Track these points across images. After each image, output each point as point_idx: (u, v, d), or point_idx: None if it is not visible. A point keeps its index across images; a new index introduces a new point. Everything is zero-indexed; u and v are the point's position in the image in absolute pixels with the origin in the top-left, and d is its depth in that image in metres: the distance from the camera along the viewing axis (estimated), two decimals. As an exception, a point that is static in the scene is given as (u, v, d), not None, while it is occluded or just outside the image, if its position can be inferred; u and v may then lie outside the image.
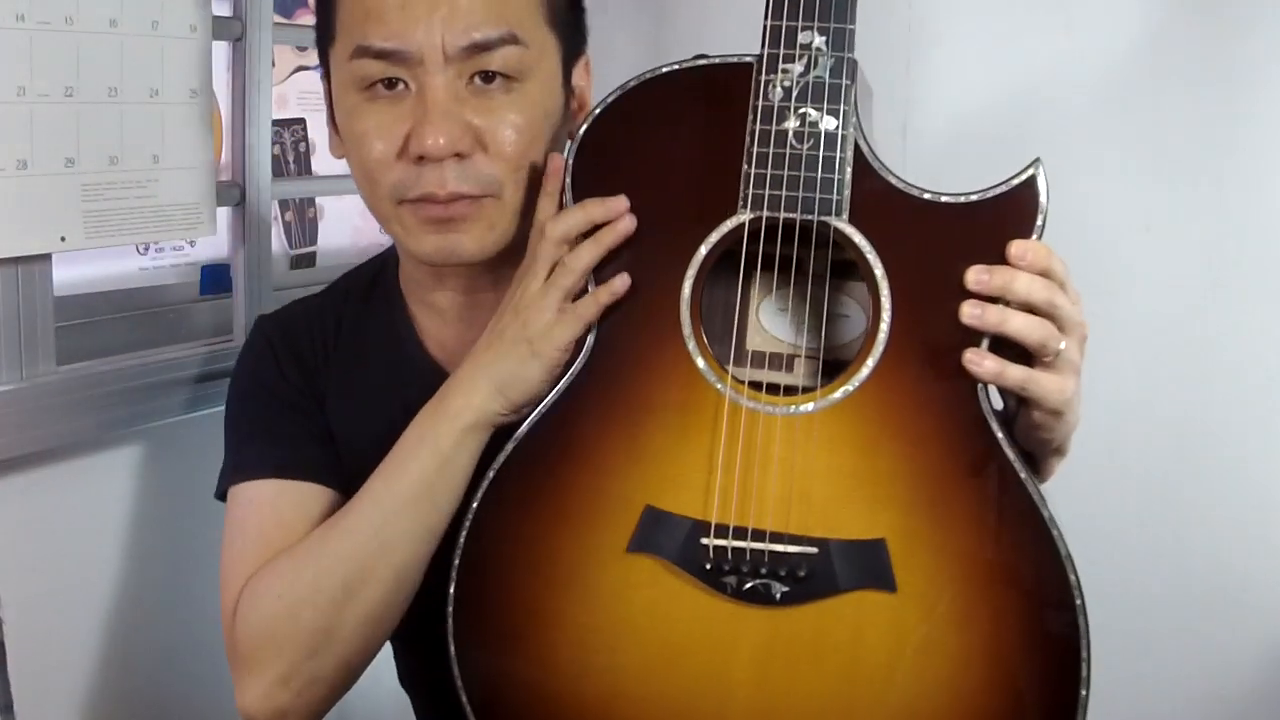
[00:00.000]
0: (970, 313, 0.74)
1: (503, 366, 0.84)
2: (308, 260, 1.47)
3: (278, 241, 1.40)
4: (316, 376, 0.98)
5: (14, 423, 1.01)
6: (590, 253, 0.81)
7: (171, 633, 1.19)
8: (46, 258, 1.04)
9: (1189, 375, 1.31)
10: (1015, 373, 0.75)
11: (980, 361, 0.75)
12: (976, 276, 0.75)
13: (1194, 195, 1.29)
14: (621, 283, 0.81)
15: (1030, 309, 0.75)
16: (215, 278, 1.31)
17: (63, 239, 1.03)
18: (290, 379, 0.98)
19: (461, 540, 0.83)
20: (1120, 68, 1.31)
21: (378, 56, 0.85)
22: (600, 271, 0.82)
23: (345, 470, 0.95)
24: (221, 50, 1.20)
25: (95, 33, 1.02)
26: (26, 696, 0.99)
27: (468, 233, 0.88)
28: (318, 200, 1.47)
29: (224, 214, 1.22)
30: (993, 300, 0.75)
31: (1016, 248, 0.75)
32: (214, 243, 1.28)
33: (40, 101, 0.98)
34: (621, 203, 0.81)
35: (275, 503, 0.92)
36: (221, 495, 0.96)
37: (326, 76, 0.92)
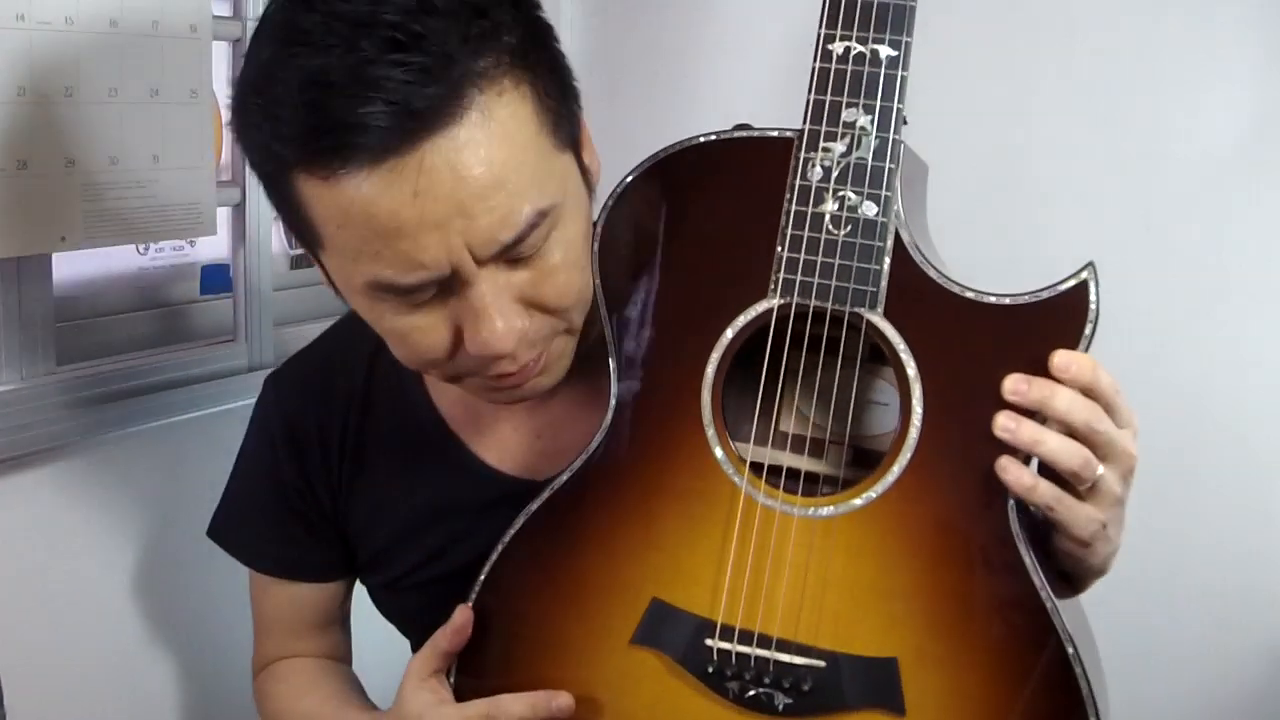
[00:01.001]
0: (1004, 425, 0.69)
1: None
2: (308, 260, 1.46)
3: (278, 241, 1.40)
4: (325, 465, 0.95)
5: (14, 423, 1.01)
6: (523, 714, 0.78)
7: (170, 632, 1.19)
8: (46, 258, 1.04)
9: (1189, 376, 1.31)
10: (1046, 490, 0.70)
11: (1009, 469, 0.70)
12: (1014, 386, 0.69)
13: (1193, 195, 1.30)
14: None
15: (1069, 430, 0.70)
16: (215, 278, 1.31)
17: (63, 239, 1.03)
18: (288, 476, 0.96)
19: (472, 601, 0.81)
20: (1120, 67, 1.31)
21: (402, 290, 0.74)
22: (623, 344, 0.79)
23: (366, 548, 0.97)
24: (221, 50, 1.20)
25: (95, 33, 1.02)
26: (23, 696, 0.99)
27: (543, 376, 0.81)
28: (318, 200, 1.47)
29: (224, 214, 1.22)
30: (1031, 413, 0.70)
31: (1060, 359, 0.69)
32: (214, 243, 1.28)
33: (40, 101, 0.98)
34: (564, 700, 0.78)
35: (266, 595, 1.01)
36: (212, 535, 1.01)
37: (311, 253, 0.81)
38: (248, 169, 1.19)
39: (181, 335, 1.26)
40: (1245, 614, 1.32)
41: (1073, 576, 0.79)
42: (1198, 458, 1.32)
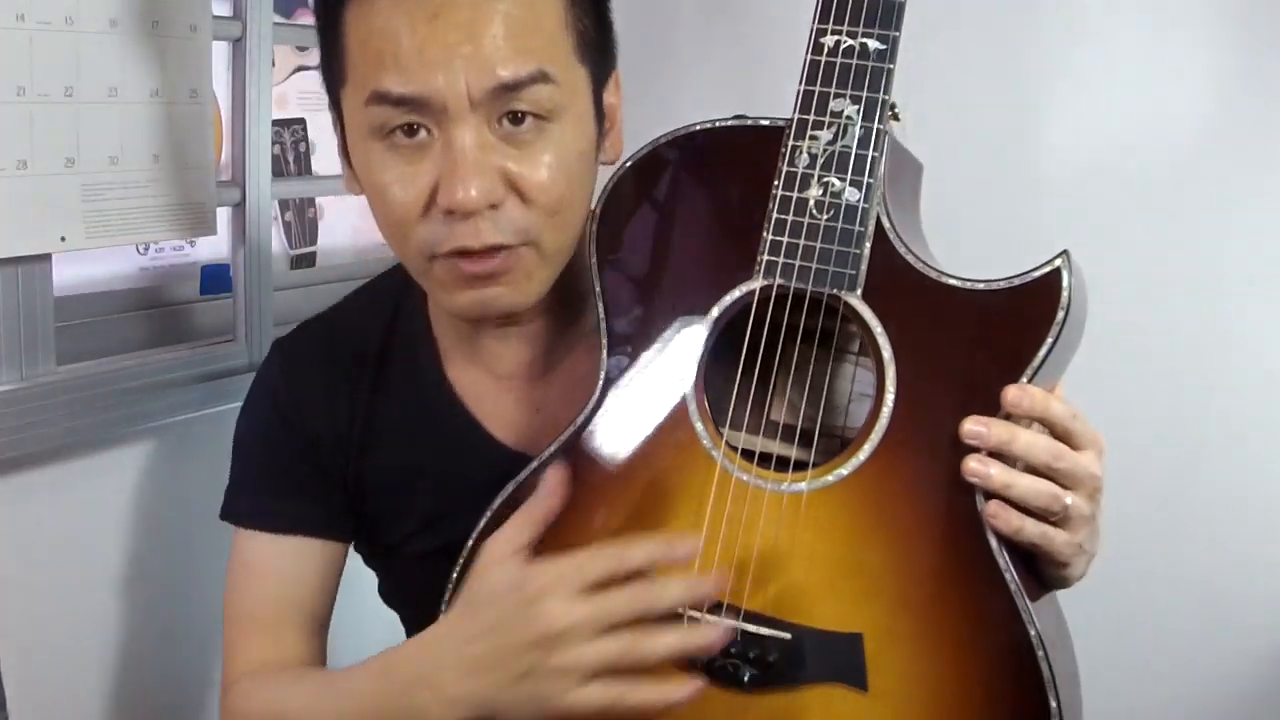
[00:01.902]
0: (973, 470, 0.71)
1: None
2: (308, 260, 1.47)
3: (278, 241, 1.40)
4: (335, 435, 0.95)
5: (14, 423, 1.01)
6: (681, 594, 0.73)
7: (171, 633, 1.19)
8: (46, 258, 1.04)
9: (1188, 376, 1.31)
10: (1032, 529, 0.72)
11: (999, 514, 0.71)
12: (972, 429, 0.71)
13: (1194, 195, 1.30)
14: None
15: (1031, 467, 0.72)
16: (215, 278, 1.31)
17: (63, 239, 1.03)
18: (296, 442, 0.95)
19: (454, 576, 0.82)
20: (1121, 65, 1.31)
21: (396, 104, 0.78)
22: (614, 322, 0.80)
23: (369, 512, 0.96)
24: (221, 50, 1.20)
25: (95, 33, 1.02)
26: (24, 697, 0.99)
27: (506, 285, 0.83)
28: (318, 200, 1.47)
29: (224, 214, 1.22)
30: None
31: (1011, 395, 0.71)
32: (214, 243, 1.28)
33: (40, 101, 0.98)
34: (692, 548, 0.74)
35: (268, 567, 0.95)
36: (225, 517, 0.99)
37: (338, 113, 0.87)
38: (247, 168, 1.21)
39: (181, 335, 1.26)
40: (1245, 615, 1.32)
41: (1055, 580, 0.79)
42: (1197, 457, 1.32)
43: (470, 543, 0.82)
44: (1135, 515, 1.35)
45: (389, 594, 1.02)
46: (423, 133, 0.79)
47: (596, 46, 0.84)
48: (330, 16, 0.83)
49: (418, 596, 0.88)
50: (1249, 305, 1.29)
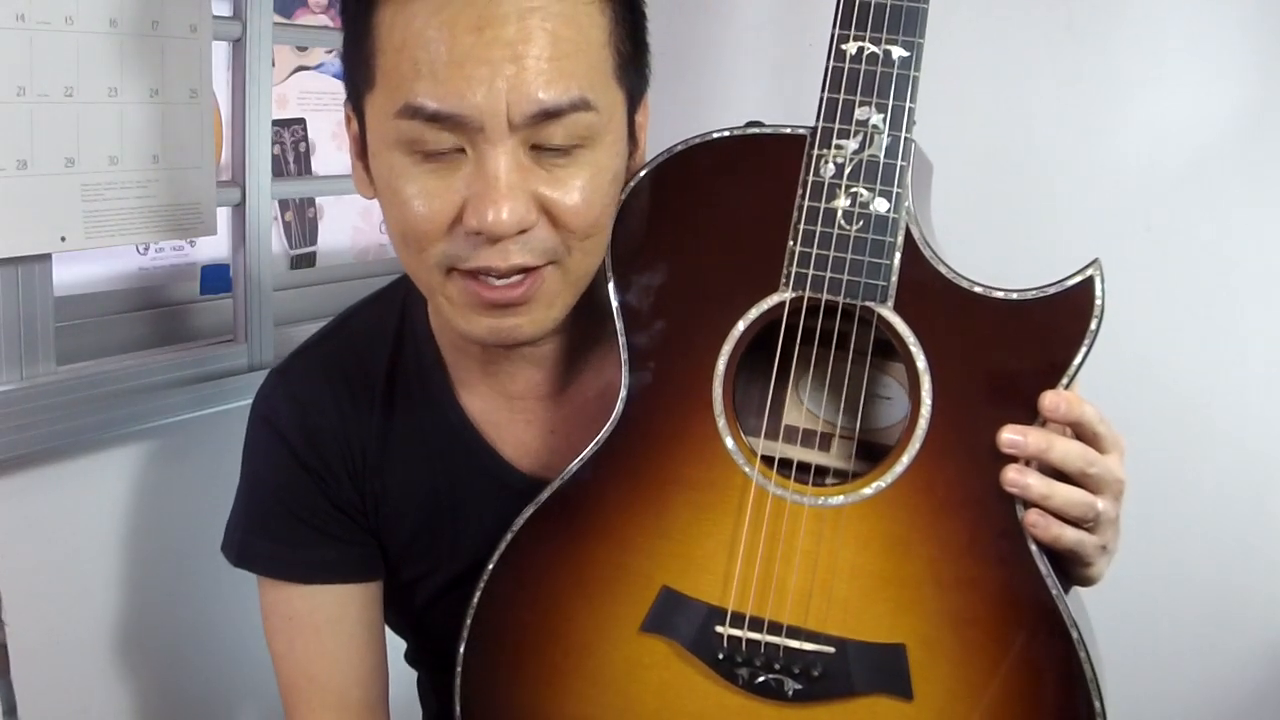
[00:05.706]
0: (1012, 481, 0.72)
1: None
2: (308, 260, 1.47)
3: (278, 241, 1.40)
4: (348, 451, 0.92)
5: (14, 423, 1.01)
6: None
7: (172, 632, 1.19)
8: (46, 258, 1.04)
9: (1189, 376, 1.31)
10: (1070, 535, 0.73)
11: (1038, 523, 0.72)
12: (1009, 440, 0.72)
13: (1194, 195, 1.30)
14: None
15: (1064, 474, 0.73)
16: (215, 278, 1.31)
17: (63, 239, 1.03)
18: (307, 462, 0.92)
19: (475, 600, 0.81)
20: (1121, 66, 1.31)
21: (429, 119, 0.75)
22: (634, 337, 0.79)
23: (385, 544, 0.94)
24: (221, 50, 1.20)
25: (95, 33, 1.02)
26: (23, 695, 0.99)
27: (526, 315, 0.80)
28: (318, 200, 1.47)
29: (224, 214, 1.22)
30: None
31: (1049, 401, 0.71)
32: (214, 243, 1.28)
33: (40, 101, 0.98)
34: None
35: (306, 624, 0.92)
36: (230, 554, 0.95)
37: (359, 115, 0.82)
38: (247, 168, 1.21)
39: (181, 335, 1.27)
40: (1244, 613, 1.32)
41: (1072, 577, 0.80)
42: (1197, 457, 1.32)
43: (491, 566, 0.81)
44: (1135, 515, 1.35)
45: (401, 620, 1.00)
46: (454, 150, 0.77)
47: (634, 68, 0.82)
48: (361, 13, 0.78)
49: (433, 620, 0.87)
50: (1249, 306, 1.29)
